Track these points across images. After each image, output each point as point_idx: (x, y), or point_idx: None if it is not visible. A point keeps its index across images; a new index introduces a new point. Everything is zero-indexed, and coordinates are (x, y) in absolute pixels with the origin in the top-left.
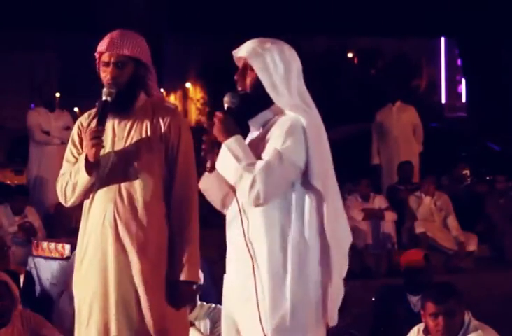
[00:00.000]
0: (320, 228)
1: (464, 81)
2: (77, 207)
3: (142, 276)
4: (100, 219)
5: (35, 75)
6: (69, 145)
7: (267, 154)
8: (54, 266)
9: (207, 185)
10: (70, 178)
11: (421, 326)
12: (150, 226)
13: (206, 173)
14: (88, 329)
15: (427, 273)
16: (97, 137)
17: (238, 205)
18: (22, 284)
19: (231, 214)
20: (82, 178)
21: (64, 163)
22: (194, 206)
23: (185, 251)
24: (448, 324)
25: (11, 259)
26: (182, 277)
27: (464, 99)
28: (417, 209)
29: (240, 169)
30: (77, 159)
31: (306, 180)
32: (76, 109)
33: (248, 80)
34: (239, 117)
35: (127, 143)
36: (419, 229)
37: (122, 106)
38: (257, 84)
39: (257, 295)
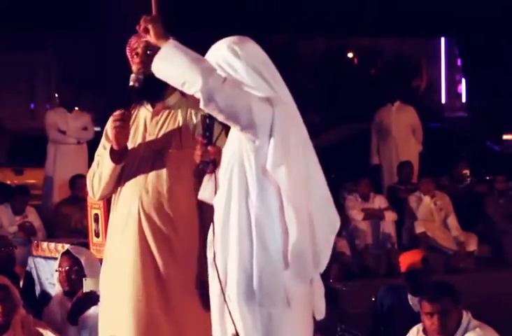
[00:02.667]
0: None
1: (464, 81)
2: (77, 208)
3: (166, 274)
4: (125, 213)
5: (35, 75)
6: (102, 140)
7: None
8: (54, 266)
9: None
10: (97, 169)
11: (421, 326)
12: (177, 222)
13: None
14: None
15: (425, 274)
16: (120, 120)
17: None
18: (21, 284)
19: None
20: (107, 167)
21: (95, 157)
22: None
23: None
24: (443, 323)
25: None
26: None
27: (464, 99)
28: (417, 209)
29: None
30: None
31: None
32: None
33: None
34: None
35: (157, 140)
36: (419, 229)
37: (151, 95)
38: None
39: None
